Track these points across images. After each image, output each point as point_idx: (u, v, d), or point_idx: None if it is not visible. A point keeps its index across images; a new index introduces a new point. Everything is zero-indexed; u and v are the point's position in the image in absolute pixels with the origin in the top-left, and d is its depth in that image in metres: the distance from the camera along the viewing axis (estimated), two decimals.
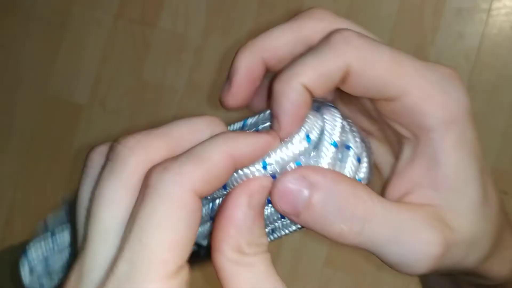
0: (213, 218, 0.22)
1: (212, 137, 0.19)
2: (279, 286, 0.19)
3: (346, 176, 0.21)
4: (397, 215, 0.20)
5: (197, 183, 0.18)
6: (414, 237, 0.20)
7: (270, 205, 0.21)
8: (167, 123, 0.20)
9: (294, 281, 0.96)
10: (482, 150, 0.22)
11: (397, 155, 0.23)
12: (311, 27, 0.22)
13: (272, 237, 0.23)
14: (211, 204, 0.22)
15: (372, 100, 0.22)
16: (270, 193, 0.20)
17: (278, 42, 0.22)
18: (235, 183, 0.20)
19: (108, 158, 0.19)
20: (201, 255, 0.23)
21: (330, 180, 0.20)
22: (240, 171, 0.20)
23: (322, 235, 0.20)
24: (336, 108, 0.22)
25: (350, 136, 0.22)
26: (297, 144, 0.20)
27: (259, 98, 0.24)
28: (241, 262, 0.19)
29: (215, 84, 1.01)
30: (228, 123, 0.23)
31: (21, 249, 0.23)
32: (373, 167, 0.24)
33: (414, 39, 0.97)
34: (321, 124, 0.21)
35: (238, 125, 0.23)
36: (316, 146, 0.21)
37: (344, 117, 0.23)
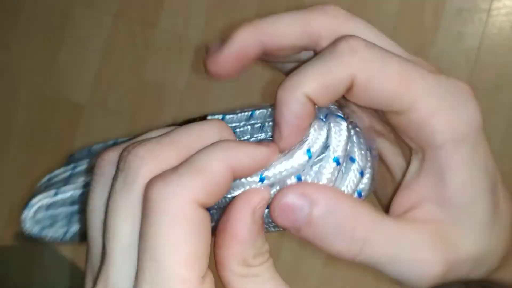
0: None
1: (212, 145, 0.19)
2: None
3: (347, 195, 0.20)
4: (398, 234, 0.20)
5: (199, 194, 0.18)
6: (415, 257, 0.20)
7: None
8: (175, 130, 0.20)
9: (294, 281, 0.96)
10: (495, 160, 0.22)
11: (408, 160, 0.22)
12: (322, 22, 0.22)
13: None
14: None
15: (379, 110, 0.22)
16: (269, 206, 0.20)
17: (284, 30, 0.22)
18: (232, 193, 0.20)
19: (119, 168, 0.19)
20: None
21: (331, 199, 0.19)
22: (237, 181, 0.20)
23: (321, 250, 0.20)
24: (343, 118, 0.21)
25: (355, 149, 0.21)
26: (297, 158, 0.20)
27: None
28: (248, 274, 0.19)
29: (215, 84, 1.01)
30: (233, 109, 0.23)
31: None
32: (382, 173, 0.24)
33: (414, 39, 0.97)
34: (325, 137, 0.21)
35: (245, 115, 0.23)
36: (318, 160, 0.21)
37: (353, 125, 0.22)
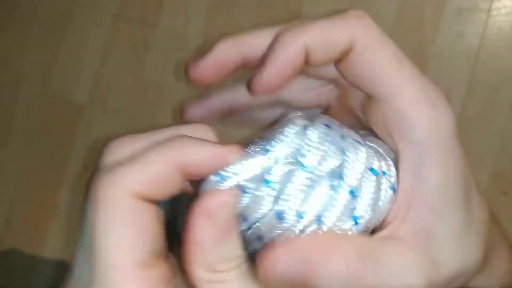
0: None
1: (166, 141, 0.19)
2: None
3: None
4: (384, 265, 0.20)
5: (137, 185, 0.18)
6: (400, 282, 0.20)
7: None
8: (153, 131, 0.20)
9: None
10: (469, 163, 0.22)
11: None
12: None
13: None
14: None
15: (364, 103, 0.22)
16: (258, 262, 0.19)
17: (260, 42, 0.22)
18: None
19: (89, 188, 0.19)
20: None
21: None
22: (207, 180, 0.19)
23: None
24: (328, 126, 0.21)
25: (346, 166, 0.20)
26: (258, 160, 0.19)
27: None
28: (214, 280, 0.18)
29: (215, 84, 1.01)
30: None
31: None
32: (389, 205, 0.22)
33: (414, 39, 0.97)
34: (295, 145, 0.20)
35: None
36: (289, 167, 0.20)
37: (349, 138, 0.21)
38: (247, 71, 0.22)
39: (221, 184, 0.19)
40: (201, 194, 0.19)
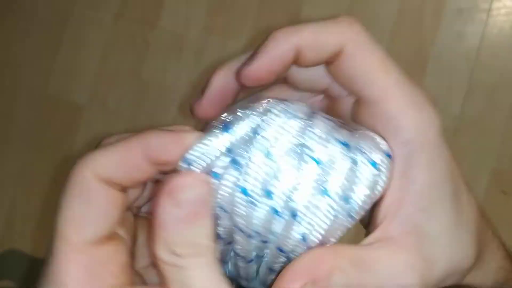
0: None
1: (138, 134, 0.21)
2: None
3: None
4: (379, 270, 0.20)
5: (100, 168, 0.20)
6: (395, 284, 0.20)
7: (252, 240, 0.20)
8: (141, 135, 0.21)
9: None
10: (459, 168, 0.22)
11: None
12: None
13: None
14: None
15: (353, 109, 0.22)
16: None
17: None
18: None
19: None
20: None
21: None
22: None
23: None
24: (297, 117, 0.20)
25: (313, 136, 0.20)
26: (215, 139, 0.20)
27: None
28: (173, 263, 0.19)
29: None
30: None
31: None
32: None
33: (414, 39, 0.97)
34: (255, 123, 0.20)
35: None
36: (248, 142, 0.20)
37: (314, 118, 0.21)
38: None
39: (187, 167, 0.20)
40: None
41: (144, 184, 0.23)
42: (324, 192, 0.19)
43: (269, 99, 0.21)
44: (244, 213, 0.20)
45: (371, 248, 0.21)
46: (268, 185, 0.19)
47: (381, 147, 0.21)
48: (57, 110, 1.08)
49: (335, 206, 0.20)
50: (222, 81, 0.23)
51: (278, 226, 0.20)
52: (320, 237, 0.20)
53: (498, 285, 0.25)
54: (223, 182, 0.20)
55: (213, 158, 0.20)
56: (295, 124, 0.20)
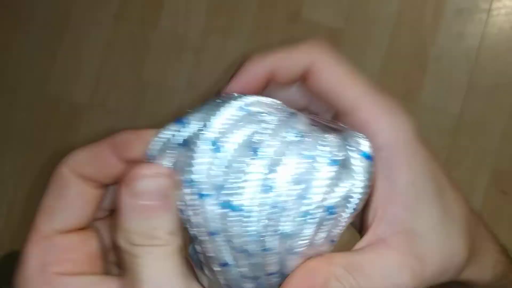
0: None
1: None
2: (165, 284, 0.19)
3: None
4: (371, 272, 0.21)
5: (75, 164, 0.22)
6: (390, 284, 0.21)
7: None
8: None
9: None
10: (443, 166, 0.23)
11: None
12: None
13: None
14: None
15: (333, 119, 0.23)
16: None
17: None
18: None
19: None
20: None
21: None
22: None
23: None
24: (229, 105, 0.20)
25: (264, 135, 0.20)
26: (169, 131, 0.20)
27: None
28: (129, 251, 0.19)
29: (215, 84, 1.01)
30: None
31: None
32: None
33: (414, 39, 0.97)
34: (209, 113, 0.20)
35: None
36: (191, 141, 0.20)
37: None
38: None
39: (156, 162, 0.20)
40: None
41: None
42: (269, 190, 0.19)
43: (243, 95, 0.21)
44: (193, 208, 0.20)
45: (363, 252, 0.21)
46: (212, 178, 0.19)
47: (357, 146, 0.21)
48: (57, 110, 1.08)
49: (282, 198, 0.19)
50: (254, 70, 0.24)
51: (232, 223, 0.20)
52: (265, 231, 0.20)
53: (496, 278, 0.25)
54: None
55: (169, 151, 0.20)
56: (243, 117, 0.20)
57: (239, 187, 0.19)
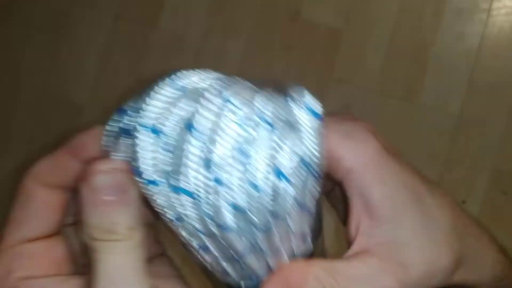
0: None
1: None
2: (119, 281, 0.19)
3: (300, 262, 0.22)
4: (353, 276, 0.22)
5: (38, 173, 0.22)
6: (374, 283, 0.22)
7: None
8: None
9: None
10: (420, 173, 0.24)
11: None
12: None
13: None
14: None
15: None
16: None
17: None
18: None
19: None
20: None
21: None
22: None
23: None
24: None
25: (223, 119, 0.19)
26: (114, 123, 0.21)
27: None
28: (90, 245, 0.19)
29: None
30: None
31: None
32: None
33: (414, 39, 0.97)
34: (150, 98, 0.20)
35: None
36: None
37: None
38: None
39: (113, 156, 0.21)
40: None
41: None
42: (212, 166, 0.19)
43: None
44: (150, 196, 0.20)
45: (345, 259, 0.22)
46: (158, 164, 0.19)
47: (306, 105, 0.21)
48: (57, 110, 1.08)
49: (226, 175, 0.19)
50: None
51: (187, 206, 0.19)
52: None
53: (497, 279, 0.25)
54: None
55: (121, 141, 0.20)
56: (179, 97, 0.20)
57: (183, 169, 0.19)
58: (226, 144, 0.19)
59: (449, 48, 0.95)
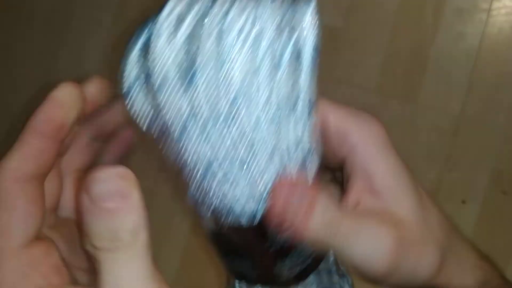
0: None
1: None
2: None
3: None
4: (356, 221, 0.23)
5: (10, 171, 0.21)
6: (372, 236, 0.23)
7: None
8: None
9: None
10: (415, 172, 0.25)
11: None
12: None
13: None
14: None
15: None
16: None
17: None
18: None
19: None
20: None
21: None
22: None
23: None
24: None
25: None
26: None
27: None
28: (93, 253, 0.19)
29: None
30: None
31: None
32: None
33: (414, 39, 0.97)
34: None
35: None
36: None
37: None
38: None
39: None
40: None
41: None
42: (224, 63, 0.19)
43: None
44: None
45: (349, 212, 0.24)
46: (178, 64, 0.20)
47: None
48: None
49: (237, 65, 0.20)
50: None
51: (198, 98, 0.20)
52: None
53: (479, 284, 0.27)
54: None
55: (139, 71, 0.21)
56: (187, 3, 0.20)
57: (198, 66, 0.20)
58: (234, 36, 0.20)
59: (449, 48, 0.95)
